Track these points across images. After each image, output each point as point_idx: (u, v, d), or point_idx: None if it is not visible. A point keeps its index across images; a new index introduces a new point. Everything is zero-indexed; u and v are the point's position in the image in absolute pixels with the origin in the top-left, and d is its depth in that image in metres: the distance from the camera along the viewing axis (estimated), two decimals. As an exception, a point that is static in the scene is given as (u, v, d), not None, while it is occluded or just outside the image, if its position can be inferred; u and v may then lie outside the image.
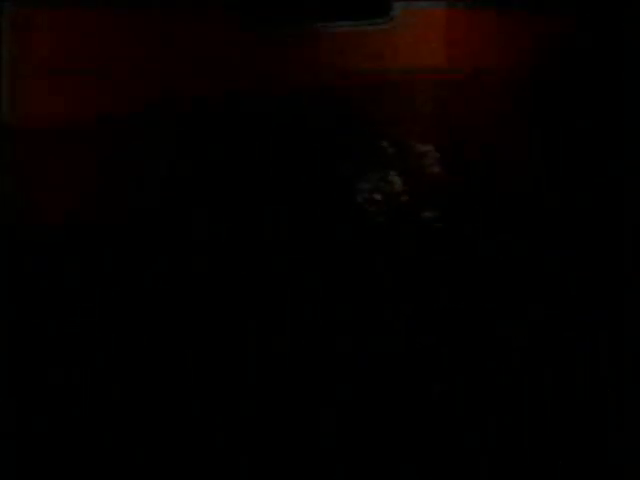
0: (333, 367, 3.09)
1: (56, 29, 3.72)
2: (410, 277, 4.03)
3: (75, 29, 3.77)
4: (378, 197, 4.80)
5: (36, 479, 2.38)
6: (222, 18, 4.38)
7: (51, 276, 3.54)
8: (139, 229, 4.01)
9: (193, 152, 4.36)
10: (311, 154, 4.92)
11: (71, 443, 2.52)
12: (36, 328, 3.16)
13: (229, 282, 3.77)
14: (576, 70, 5.09)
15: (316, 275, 3.93)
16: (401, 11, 5.45)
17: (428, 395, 2.94)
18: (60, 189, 3.80)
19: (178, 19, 4.17)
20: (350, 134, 5.09)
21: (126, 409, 2.72)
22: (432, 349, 3.30)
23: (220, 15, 4.36)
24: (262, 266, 3.96)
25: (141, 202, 4.14)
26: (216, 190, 4.44)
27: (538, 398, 2.96)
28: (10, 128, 3.70)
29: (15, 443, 2.49)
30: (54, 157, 3.77)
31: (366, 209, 4.76)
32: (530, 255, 4.36)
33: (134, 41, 4.01)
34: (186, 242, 4.06)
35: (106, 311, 3.36)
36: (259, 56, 4.62)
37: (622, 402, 2.97)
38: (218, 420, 2.70)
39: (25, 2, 3.63)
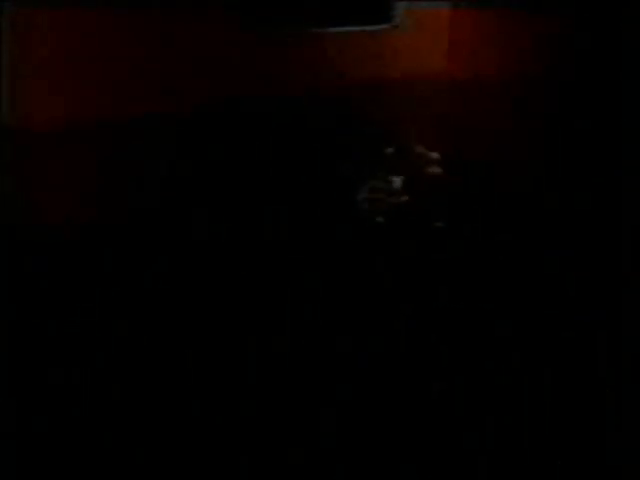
0: (333, 367, 3.09)
1: (56, 29, 3.72)
2: (410, 277, 4.03)
3: (75, 29, 3.78)
4: (378, 197, 4.80)
5: (36, 479, 2.38)
6: (222, 18, 4.38)
7: (51, 276, 3.54)
8: (139, 229, 4.02)
9: (193, 152, 4.36)
10: (311, 154, 4.92)
11: (71, 443, 2.52)
12: (36, 328, 3.16)
13: (229, 282, 3.77)
14: (576, 70, 5.09)
15: (316, 275, 3.93)
16: (403, 11, 5.46)
17: (428, 395, 2.95)
18: (60, 189, 3.80)
19: (178, 19, 4.17)
20: (350, 135, 5.09)
21: (126, 409, 2.72)
22: (432, 349, 3.30)
23: (220, 15, 4.37)
24: (262, 266, 3.96)
25: (141, 202, 4.14)
26: (216, 190, 4.44)
27: (537, 398, 2.97)
28: (10, 128, 3.71)
29: (15, 443, 2.49)
30: (54, 157, 3.77)
31: (366, 209, 4.77)
32: (530, 255, 4.36)
33: (134, 41, 4.01)
34: (187, 242, 4.07)
35: (106, 311, 3.37)
36: (259, 56, 4.62)
37: (621, 402, 2.98)
38: (218, 420, 2.70)
39: (25, 2, 3.63)
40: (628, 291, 3.89)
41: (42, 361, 2.97)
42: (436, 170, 5.09)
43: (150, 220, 4.09)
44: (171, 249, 3.97)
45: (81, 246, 3.74)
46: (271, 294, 3.68)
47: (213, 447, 2.56)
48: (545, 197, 5.06)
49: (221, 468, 2.47)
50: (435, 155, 5.15)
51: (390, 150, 5.10)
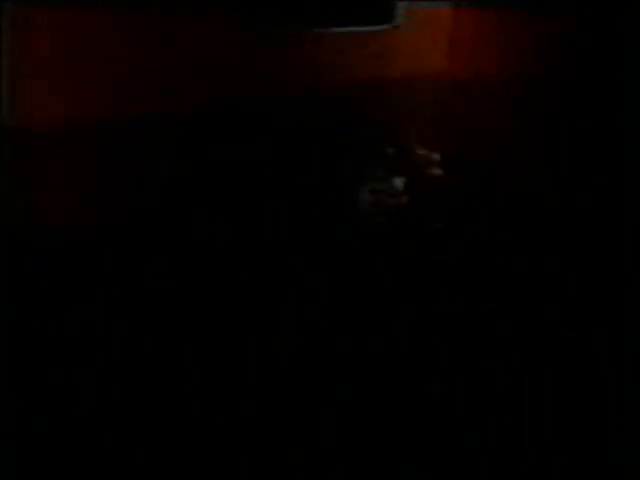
0: (333, 367, 3.09)
1: (56, 29, 3.72)
2: (410, 278, 4.03)
3: (75, 29, 3.77)
4: (378, 198, 4.80)
5: (36, 479, 2.38)
6: (222, 18, 4.38)
7: (51, 276, 3.54)
8: (139, 229, 4.02)
9: (193, 152, 4.36)
10: (311, 154, 4.92)
11: (71, 443, 2.52)
12: (36, 328, 3.16)
13: (229, 282, 3.77)
14: (578, 70, 5.09)
15: (316, 275, 3.93)
16: (404, 11, 5.45)
17: (428, 395, 2.94)
18: (60, 189, 3.80)
19: (178, 19, 4.17)
20: (350, 135, 5.09)
21: (127, 409, 2.72)
22: (432, 349, 3.30)
23: (220, 15, 4.37)
24: (262, 266, 3.96)
25: (141, 202, 4.14)
26: (216, 191, 4.44)
27: (538, 398, 2.96)
28: (10, 128, 3.70)
29: (15, 443, 2.49)
30: (54, 157, 3.77)
31: (366, 209, 4.76)
32: (531, 255, 4.36)
33: (134, 41, 4.01)
34: (187, 242, 4.07)
35: (106, 311, 3.36)
36: (259, 56, 4.62)
37: (622, 402, 2.97)
38: (218, 420, 2.70)
39: (25, 2, 3.63)
40: (630, 291, 3.89)
41: (42, 361, 2.97)
42: (437, 171, 5.08)
43: (150, 220, 4.08)
44: (171, 249, 3.97)
45: (81, 246, 3.73)
46: (271, 294, 3.68)
47: (213, 447, 2.55)
48: (546, 197, 5.06)
49: (221, 468, 2.47)
50: (436, 156, 5.15)
51: (390, 150, 5.09)
